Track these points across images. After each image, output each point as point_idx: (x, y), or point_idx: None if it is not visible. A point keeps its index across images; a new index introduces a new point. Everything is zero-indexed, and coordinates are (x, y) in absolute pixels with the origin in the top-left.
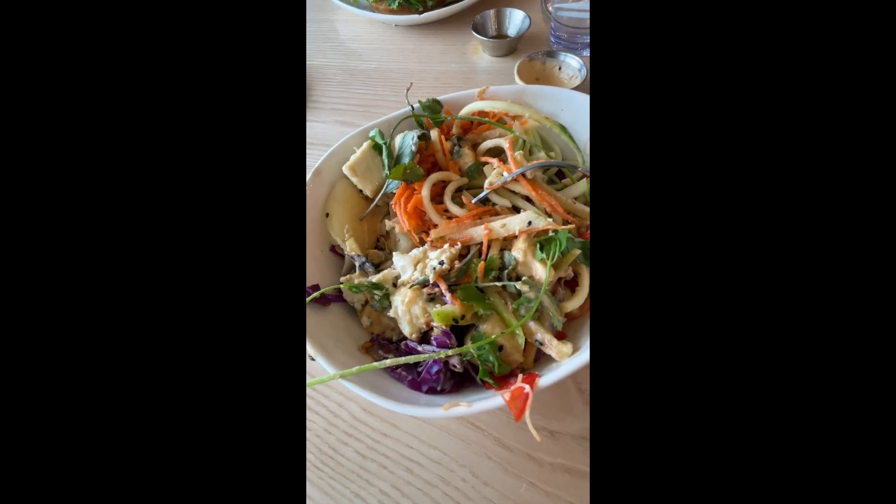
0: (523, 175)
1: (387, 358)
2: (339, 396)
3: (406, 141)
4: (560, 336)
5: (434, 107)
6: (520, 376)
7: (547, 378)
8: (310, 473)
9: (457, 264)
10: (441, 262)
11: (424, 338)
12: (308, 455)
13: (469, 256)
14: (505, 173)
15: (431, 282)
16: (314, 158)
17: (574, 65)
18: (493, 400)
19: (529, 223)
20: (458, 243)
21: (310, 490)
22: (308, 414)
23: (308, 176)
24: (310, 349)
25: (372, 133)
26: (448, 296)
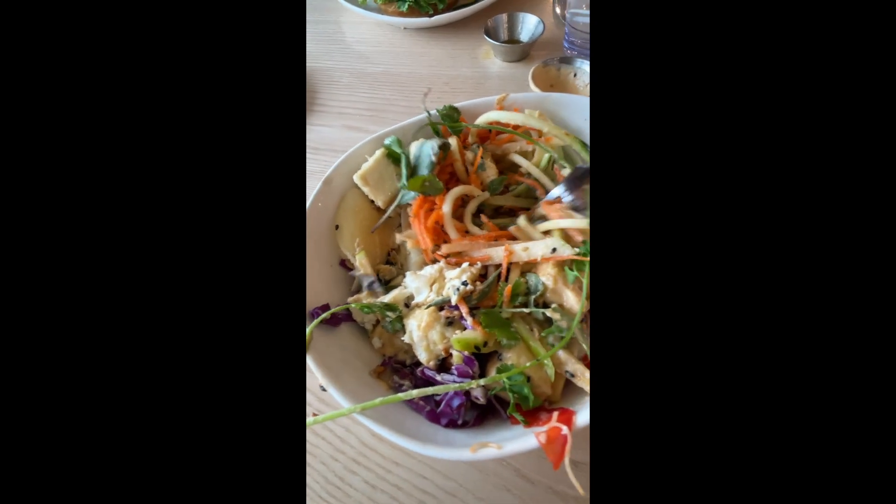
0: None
1: (403, 384)
2: (346, 420)
3: (425, 150)
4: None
5: (452, 115)
6: (554, 414)
7: (584, 415)
8: None
9: (478, 286)
10: (465, 283)
11: (442, 365)
12: (313, 484)
13: (490, 279)
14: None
15: (453, 303)
16: (319, 164)
17: (589, 71)
18: (526, 441)
19: (554, 250)
20: (478, 262)
21: None
22: (313, 439)
23: (318, 185)
24: (321, 377)
25: (388, 141)
26: (469, 320)
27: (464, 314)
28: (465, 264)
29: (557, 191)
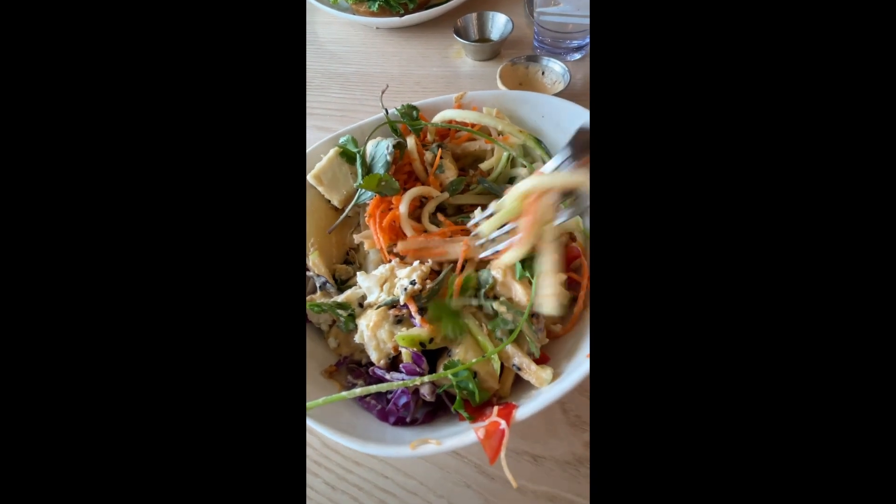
0: None
1: (356, 383)
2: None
3: (380, 149)
4: (541, 360)
5: (411, 113)
6: (495, 408)
7: (526, 409)
8: None
9: (429, 284)
10: (413, 282)
11: (394, 364)
12: None
13: (442, 275)
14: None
15: (401, 303)
16: None
17: (557, 70)
18: (466, 436)
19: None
20: (429, 260)
21: None
22: None
23: None
24: None
25: (343, 139)
26: (417, 318)
27: (412, 312)
28: (415, 262)
29: (557, 160)
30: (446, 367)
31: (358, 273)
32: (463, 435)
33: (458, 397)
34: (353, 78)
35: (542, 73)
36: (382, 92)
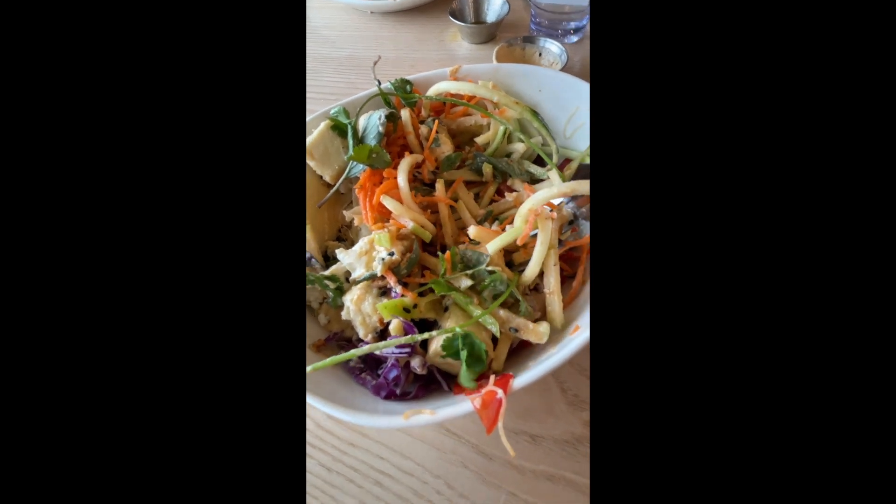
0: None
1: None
2: None
3: (372, 121)
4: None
5: (404, 87)
6: (492, 378)
7: (523, 378)
8: None
9: (408, 256)
10: (391, 254)
11: (384, 339)
12: None
13: (416, 249)
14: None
15: (379, 274)
16: None
17: (555, 51)
18: (461, 406)
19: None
20: (405, 227)
21: None
22: None
23: None
24: None
25: (333, 111)
26: (398, 289)
27: (392, 284)
28: (390, 225)
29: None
30: (439, 333)
31: (337, 250)
32: (458, 405)
33: (463, 362)
34: (347, 62)
35: (540, 55)
36: (374, 63)
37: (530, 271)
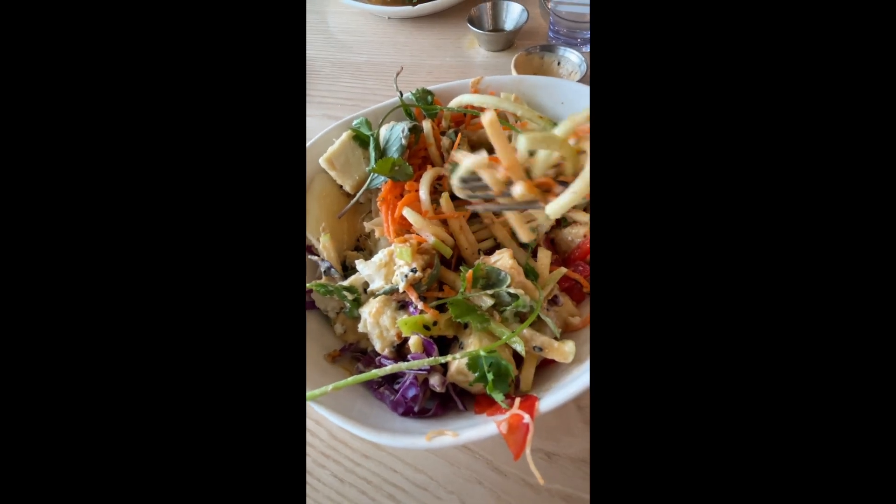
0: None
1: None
2: (315, 413)
3: (395, 133)
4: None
5: (426, 97)
6: (516, 401)
7: (549, 401)
8: None
9: (428, 272)
10: (413, 270)
11: (400, 354)
12: None
13: (437, 264)
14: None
15: (401, 290)
16: None
17: (574, 60)
18: (485, 428)
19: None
20: (426, 242)
21: None
22: None
23: None
24: None
25: (356, 122)
26: (420, 305)
27: (412, 299)
28: (411, 239)
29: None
30: (463, 355)
31: (357, 261)
32: (481, 427)
33: (488, 379)
34: (365, 67)
35: (559, 64)
36: (397, 74)
37: (560, 206)
